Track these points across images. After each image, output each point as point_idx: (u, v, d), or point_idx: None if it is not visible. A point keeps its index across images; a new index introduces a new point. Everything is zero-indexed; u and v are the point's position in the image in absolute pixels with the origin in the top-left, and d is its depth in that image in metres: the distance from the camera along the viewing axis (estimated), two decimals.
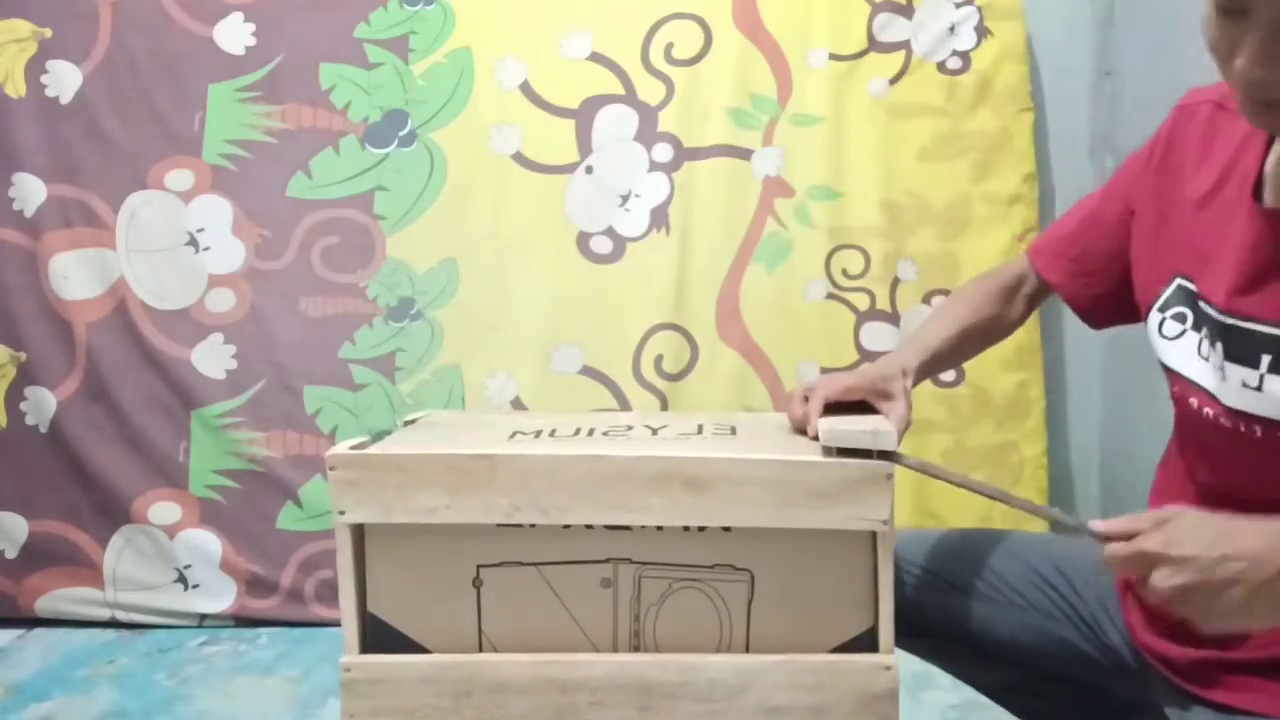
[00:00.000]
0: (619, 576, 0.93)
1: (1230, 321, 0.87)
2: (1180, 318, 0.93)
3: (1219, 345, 0.88)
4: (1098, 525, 0.82)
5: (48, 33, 2.27)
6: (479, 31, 2.34)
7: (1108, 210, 1.06)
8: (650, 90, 2.33)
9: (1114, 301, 1.06)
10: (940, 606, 1.08)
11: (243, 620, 2.26)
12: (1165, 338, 0.95)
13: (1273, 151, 0.87)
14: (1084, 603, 1.05)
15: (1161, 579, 0.75)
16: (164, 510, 2.27)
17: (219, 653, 2.14)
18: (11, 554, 2.26)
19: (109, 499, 2.26)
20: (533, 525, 0.92)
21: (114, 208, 2.29)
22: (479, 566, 0.93)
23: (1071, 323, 1.48)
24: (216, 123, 2.30)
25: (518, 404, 2.33)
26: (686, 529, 0.92)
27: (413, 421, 1.13)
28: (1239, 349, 0.86)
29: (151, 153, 2.29)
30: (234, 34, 2.30)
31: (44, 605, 2.26)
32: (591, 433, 1.01)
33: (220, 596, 2.27)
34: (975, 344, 1.16)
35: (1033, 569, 1.07)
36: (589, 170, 2.34)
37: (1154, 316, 0.96)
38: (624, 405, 2.31)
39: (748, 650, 0.92)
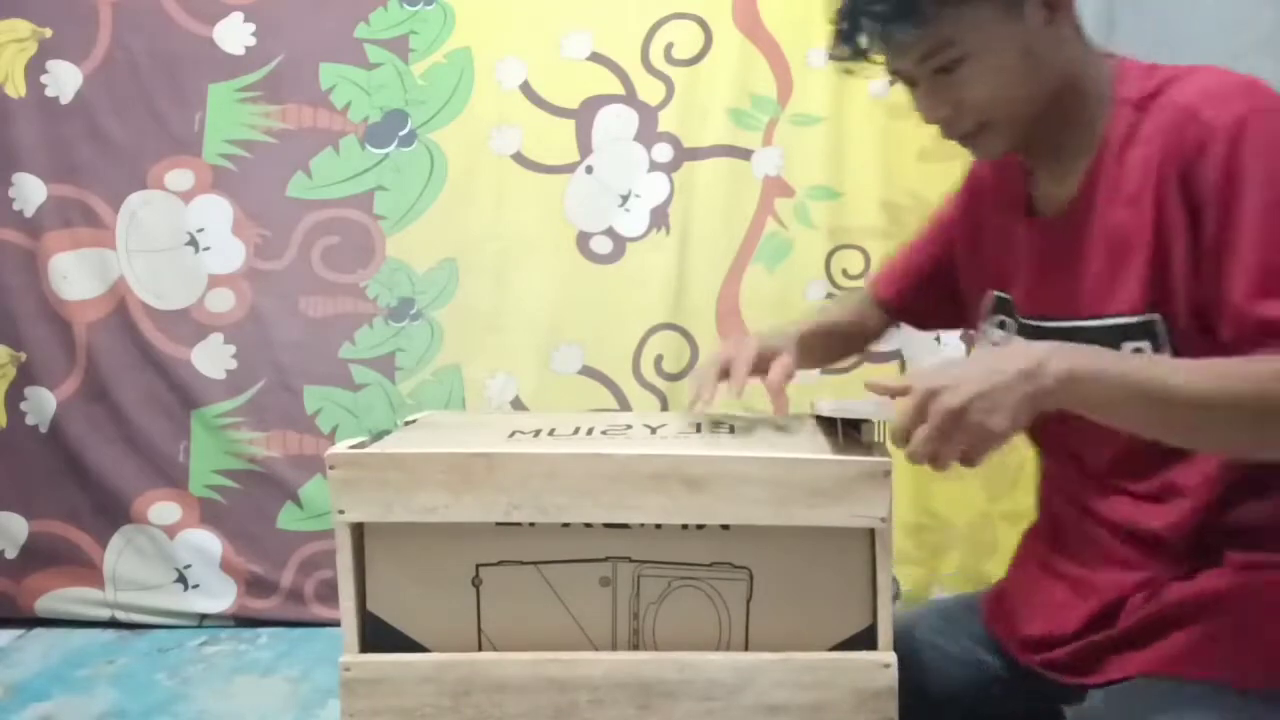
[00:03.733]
0: (618, 575, 0.93)
1: (1030, 323, 1.01)
2: (1002, 325, 1.07)
3: None
4: (885, 402, 0.88)
5: (48, 33, 2.27)
6: (479, 31, 2.34)
7: (933, 233, 1.21)
8: (650, 90, 2.33)
9: (936, 308, 1.21)
10: None
11: (243, 620, 2.26)
12: (994, 344, 1.07)
13: (1034, 177, 1.02)
14: (961, 648, 1.10)
15: (945, 401, 0.79)
16: (164, 510, 2.27)
17: (219, 653, 2.14)
18: (11, 554, 2.27)
19: (109, 499, 2.26)
20: (532, 524, 0.92)
21: (114, 208, 2.29)
22: (478, 565, 0.93)
23: None
24: (216, 123, 2.30)
25: (518, 404, 2.33)
26: (685, 527, 0.92)
27: (413, 421, 1.13)
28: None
29: (151, 153, 2.30)
30: (234, 34, 2.30)
31: (44, 605, 2.26)
32: (590, 432, 1.01)
33: (220, 596, 2.27)
34: (842, 344, 1.29)
35: (911, 637, 1.11)
36: (589, 170, 2.34)
37: (984, 327, 1.10)
38: (624, 405, 2.31)
39: (747, 648, 0.92)
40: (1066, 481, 1.03)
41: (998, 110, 0.93)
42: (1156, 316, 0.89)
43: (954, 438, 0.80)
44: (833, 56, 0.97)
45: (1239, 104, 0.85)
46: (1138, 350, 0.90)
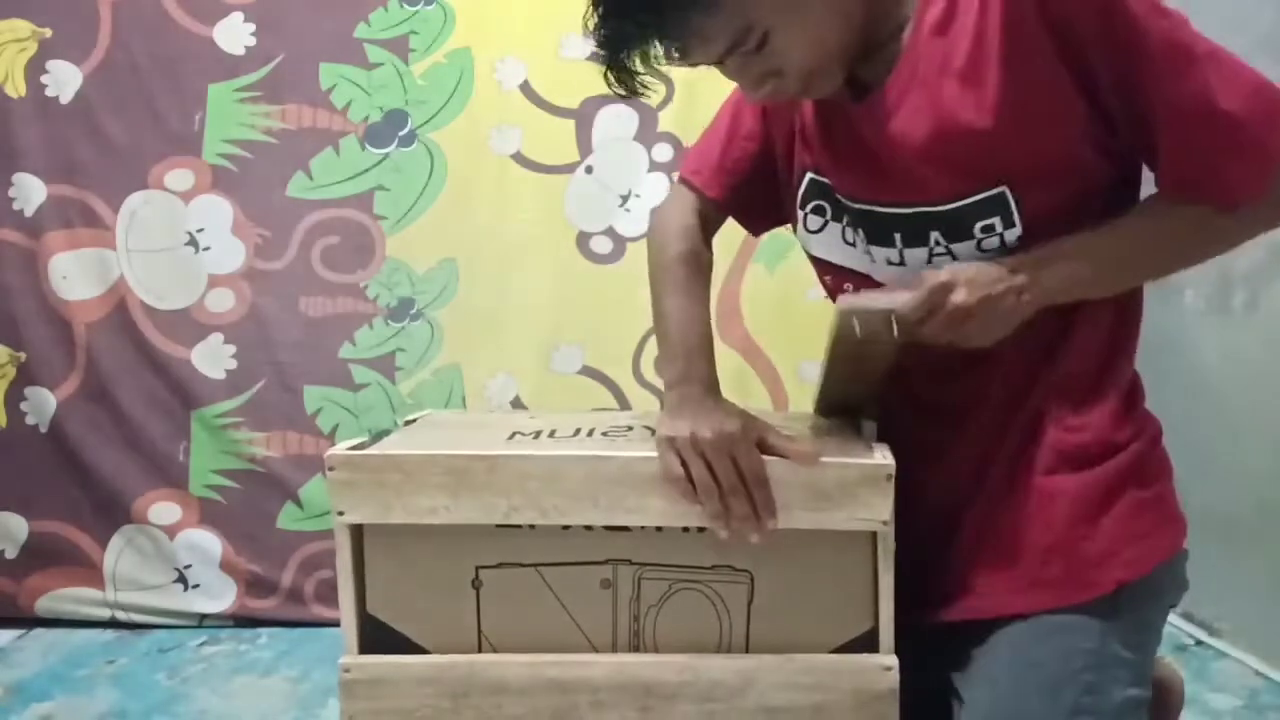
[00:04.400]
0: (618, 577, 0.92)
1: (861, 207, 0.96)
2: (820, 210, 1.01)
3: (860, 231, 0.97)
4: (889, 300, 0.88)
5: (48, 33, 2.27)
6: (479, 31, 2.34)
7: (744, 115, 1.10)
8: (650, 90, 2.32)
9: (763, 202, 1.11)
10: None
11: (243, 620, 2.26)
12: (810, 231, 1.03)
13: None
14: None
15: (960, 296, 0.84)
16: (164, 510, 2.27)
17: (219, 653, 2.14)
18: (11, 554, 2.27)
19: (109, 499, 2.26)
20: (532, 526, 0.92)
21: (114, 208, 2.29)
22: (478, 567, 0.93)
23: None
24: (216, 123, 2.30)
25: (518, 404, 2.33)
26: (686, 530, 0.91)
27: (413, 421, 1.13)
28: (875, 232, 0.96)
29: (151, 153, 2.29)
30: (234, 34, 2.30)
31: (44, 605, 2.26)
32: (591, 433, 1.00)
33: (220, 596, 2.27)
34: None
35: None
36: (589, 170, 2.34)
37: (799, 215, 1.04)
38: (624, 405, 2.31)
39: (748, 651, 0.92)
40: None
41: (823, 60, 0.88)
42: (1004, 188, 0.88)
43: (959, 331, 0.86)
44: (620, 85, 0.96)
45: None
46: (987, 227, 0.89)
